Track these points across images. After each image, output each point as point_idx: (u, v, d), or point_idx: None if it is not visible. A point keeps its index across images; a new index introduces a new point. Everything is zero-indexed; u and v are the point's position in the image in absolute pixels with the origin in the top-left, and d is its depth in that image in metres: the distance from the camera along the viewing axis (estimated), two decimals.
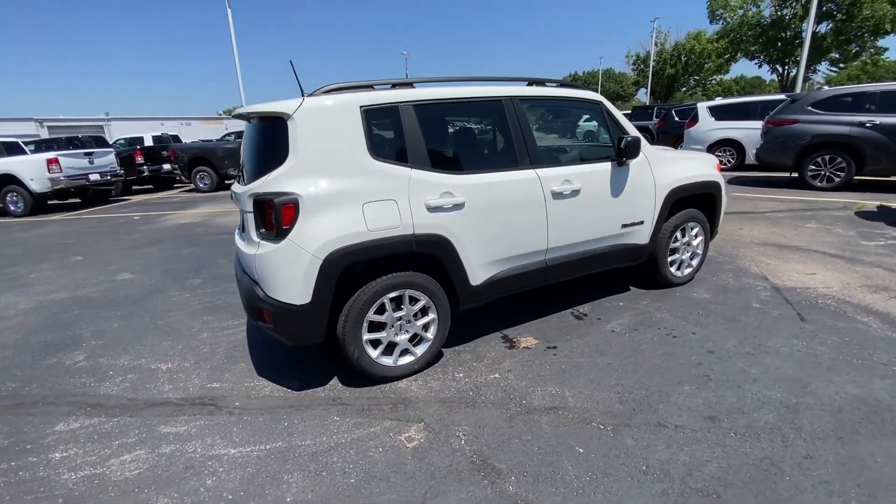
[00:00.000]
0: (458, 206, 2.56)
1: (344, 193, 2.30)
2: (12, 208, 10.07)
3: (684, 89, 40.90)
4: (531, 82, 3.03)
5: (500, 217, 2.72)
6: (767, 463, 1.88)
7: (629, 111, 19.44)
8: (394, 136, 2.51)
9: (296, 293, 2.26)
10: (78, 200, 11.84)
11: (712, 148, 10.69)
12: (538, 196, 2.82)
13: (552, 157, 3.20)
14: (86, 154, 10.84)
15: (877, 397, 2.25)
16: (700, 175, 3.60)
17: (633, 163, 3.24)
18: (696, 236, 3.78)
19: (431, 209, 2.48)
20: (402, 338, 2.61)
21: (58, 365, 3.08)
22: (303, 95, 2.38)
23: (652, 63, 38.02)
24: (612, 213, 3.19)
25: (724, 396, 2.32)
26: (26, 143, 12.01)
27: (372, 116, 2.41)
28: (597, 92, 3.41)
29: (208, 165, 12.43)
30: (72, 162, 10.41)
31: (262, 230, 2.32)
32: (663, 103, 29.02)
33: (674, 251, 3.69)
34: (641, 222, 3.36)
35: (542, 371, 2.66)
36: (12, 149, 11.16)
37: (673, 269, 3.72)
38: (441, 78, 2.75)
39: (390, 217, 2.37)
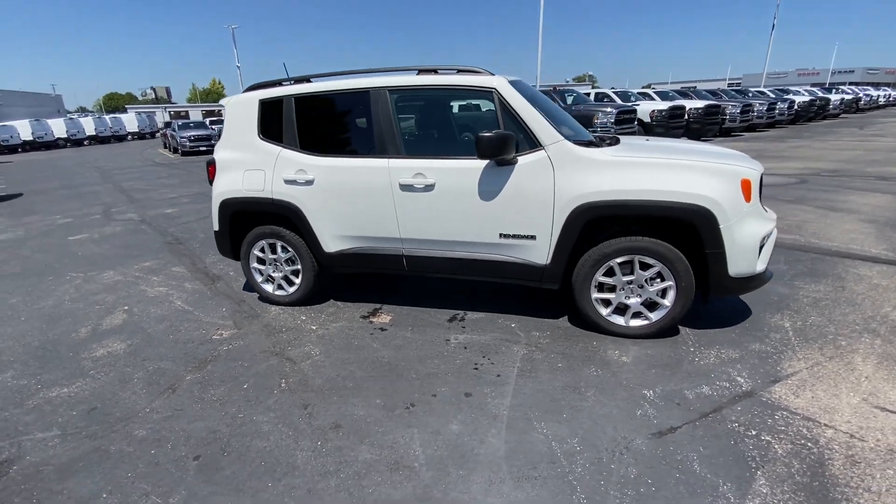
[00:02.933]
0: (308, 182, 3.11)
1: (236, 161, 3.31)
2: None
3: None
4: (420, 71, 2.98)
5: (345, 198, 3.06)
6: None
7: None
8: (277, 122, 3.24)
9: (215, 222, 3.51)
10: None
11: None
12: (385, 185, 2.94)
13: (418, 149, 2.98)
14: None
15: None
16: (652, 190, 2.48)
17: (523, 163, 2.69)
18: (653, 279, 2.66)
19: (287, 181, 3.15)
20: (278, 275, 3.48)
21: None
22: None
23: None
24: (481, 218, 2.82)
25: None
26: None
27: (266, 107, 3.24)
28: None
29: None
30: None
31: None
32: None
33: (608, 289, 2.77)
34: (532, 237, 2.76)
35: (339, 341, 2.98)
36: None
37: (605, 312, 2.80)
38: (342, 72, 3.19)
39: (258, 182, 3.23)
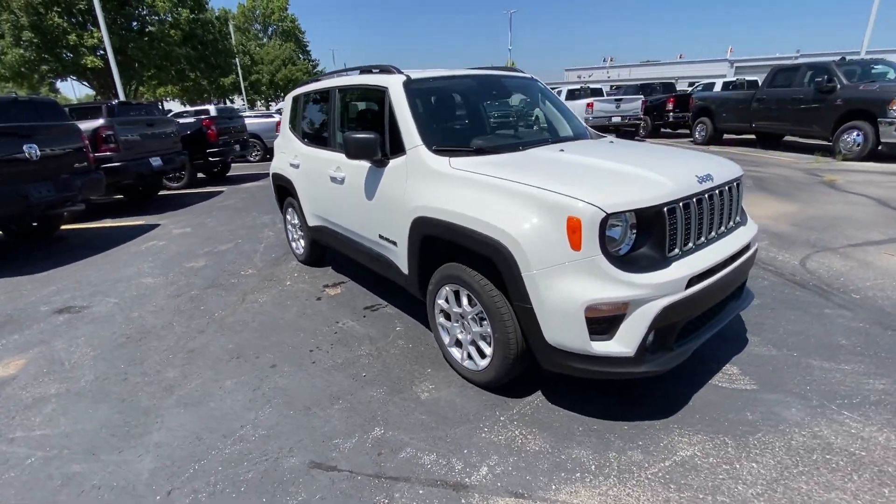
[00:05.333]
0: (297, 166, 3.80)
1: (280, 145, 4.28)
2: None
3: None
4: (361, 70, 3.11)
5: (310, 182, 3.61)
6: None
7: None
8: (296, 116, 3.96)
9: (274, 190, 4.65)
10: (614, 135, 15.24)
11: None
12: (325, 174, 3.33)
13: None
14: (616, 100, 13.68)
15: None
16: (452, 211, 2.08)
17: (391, 166, 2.62)
18: (478, 319, 2.20)
19: (290, 164, 3.93)
20: (297, 237, 4.36)
21: None
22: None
23: None
24: (368, 215, 2.88)
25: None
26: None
27: (293, 102, 4.04)
28: None
29: (708, 116, 12.00)
30: (603, 106, 13.62)
31: None
32: None
33: (449, 316, 2.43)
34: (395, 243, 2.67)
35: (284, 297, 3.66)
36: (595, 93, 15.66)
37: (447, 340, 2.48)
38: (345, 69, 3.65)
39: (282, 163, 4.12)
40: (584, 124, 3.31)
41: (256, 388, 2.46)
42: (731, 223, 2.26)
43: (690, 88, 17.77)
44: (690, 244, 1.97)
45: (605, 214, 1.73)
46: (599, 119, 13.59)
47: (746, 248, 2.27)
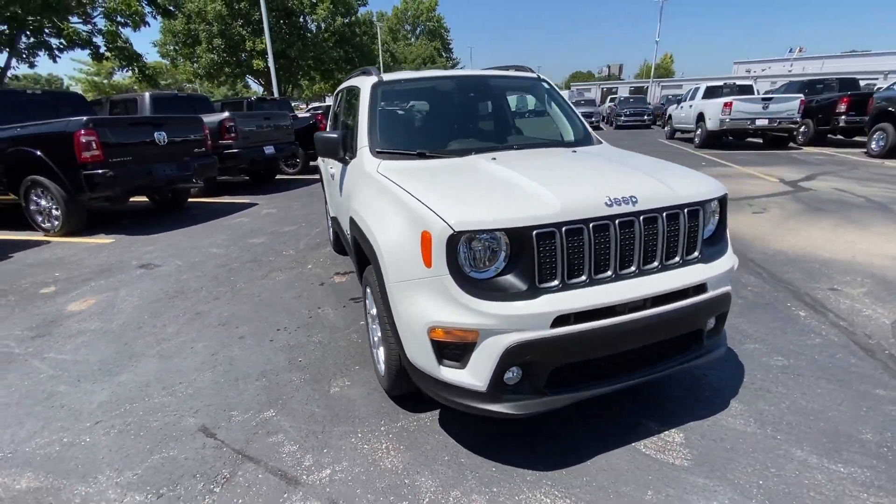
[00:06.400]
0: (324, 160, 4.11)
1: None
2: (697, 141, 13.04)
3: None
4: (361, 72, 3.21)
5: (326, 175, 3.89)
6: None
7: None
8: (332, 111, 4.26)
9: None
10: (760, 141, 12.92)
11: None
12: (329, 170, 3.56)
13: None
14: (763, 99, 11.50)
15: None
16: (355, 211, 2.06)
17: (351, 165, 2.72)
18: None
19: (321, 159, 4.27)
20: (329, 224, 4.72)
21: None
22: None
23: None
24: (341, 211, 3.01)
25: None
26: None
27: (333, 101, 4.35)
28: None
29: (892, 122, 9.37)
30: (744, 107, 11.59)
31: None
32: None
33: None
34: (350, 240, 2.75)
35: (295, 278, 4.02)
36: (744, 91, 13.37)
37: (371, 340, 2.49)
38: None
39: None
40: (588, 129, 2.94)
41: (214, 354, 2.81)
42: (678, 258, 1.82)
43: None
44: (583, 276, 1.66)
45: (452, 231, 1.57)
46: (738, 121, 11.63)
47: (698, 289, 1.82)
